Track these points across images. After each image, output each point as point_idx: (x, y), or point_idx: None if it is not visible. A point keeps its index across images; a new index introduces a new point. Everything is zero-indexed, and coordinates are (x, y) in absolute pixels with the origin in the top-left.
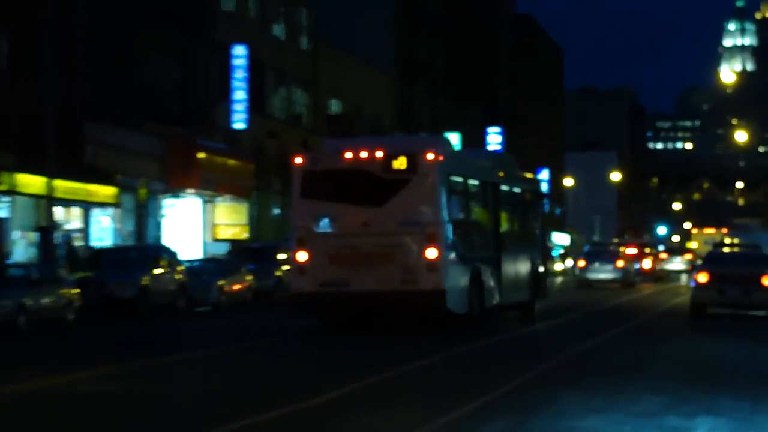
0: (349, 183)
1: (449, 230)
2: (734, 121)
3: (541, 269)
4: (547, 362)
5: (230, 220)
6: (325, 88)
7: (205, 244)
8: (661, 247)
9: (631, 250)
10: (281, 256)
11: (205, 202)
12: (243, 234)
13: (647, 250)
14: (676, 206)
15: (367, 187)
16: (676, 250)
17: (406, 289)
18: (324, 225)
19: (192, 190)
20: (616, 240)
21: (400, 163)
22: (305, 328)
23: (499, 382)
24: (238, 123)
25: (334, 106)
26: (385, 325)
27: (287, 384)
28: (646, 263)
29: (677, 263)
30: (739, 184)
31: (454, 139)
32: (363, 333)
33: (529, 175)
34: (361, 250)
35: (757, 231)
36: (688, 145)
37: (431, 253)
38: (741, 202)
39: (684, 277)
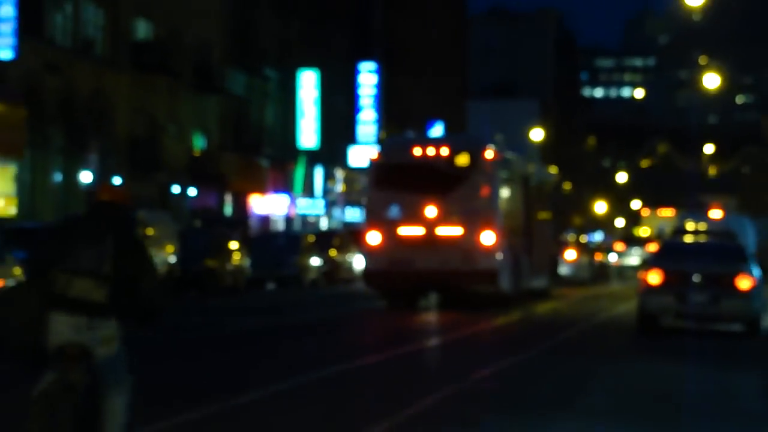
0: (417, 176)
1: (501, 219)
2: (702, 61)
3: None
4: (434, 393)
5: None
6: (128, 4)
7: None
8: (597, 236)
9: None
10: None
11: None
12: (9, 209)
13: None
14: (621, 177)
15: (433, 179)
16: (633, 240)
17: (465, 269)
18: (394, 213)
19: None
20: None
21: (463, 159)
22: None
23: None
24: (4, 51)
25: (142, 29)
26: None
27: None
28: (570, 254)
29: (634, 257)
30: (709, 148)
31: (311, 76)
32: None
33: (551, 168)
34: (427, 235)
35: (732, 213)
36: (639, 93)
37: (488, 238)
38: (711, 172)
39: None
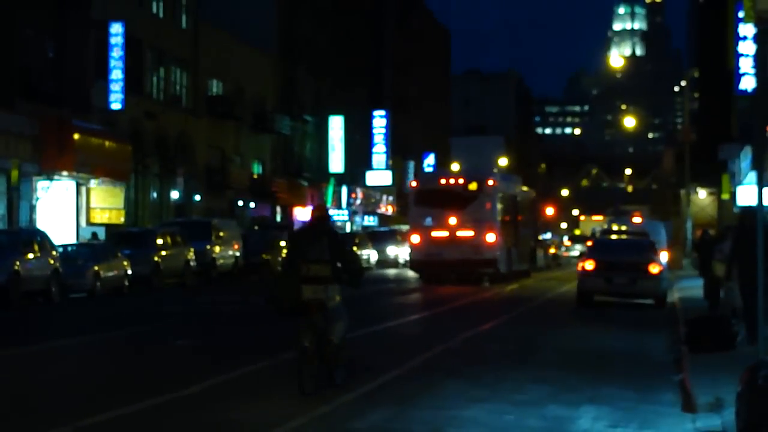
0: (443, 197)
1: (499, 225)
2: (623, 107)
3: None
4: (431, 350)
5: (106, 203)
6: (205, 68)
7: (78, 228)
8: (547, 235)
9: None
10: (160, 241)
11: (79, 184)
12: (119, 218)
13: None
14: (564, 192)
15: (454, 199)
16: (576, 238)
17: (475, 258)
18: (428, 221)
19: (66, 173)
20: None
21: (473, 186)
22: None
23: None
24: (115, 103)
25: (215, 87)
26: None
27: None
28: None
29: (576, 250)
30: (628, 171)
31: (338, 120)
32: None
33: (526, 188)
34: (450, 236)
35: (647, 218)
36: (577, 131)
37: (490, 238)
38: (629, 188)
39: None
